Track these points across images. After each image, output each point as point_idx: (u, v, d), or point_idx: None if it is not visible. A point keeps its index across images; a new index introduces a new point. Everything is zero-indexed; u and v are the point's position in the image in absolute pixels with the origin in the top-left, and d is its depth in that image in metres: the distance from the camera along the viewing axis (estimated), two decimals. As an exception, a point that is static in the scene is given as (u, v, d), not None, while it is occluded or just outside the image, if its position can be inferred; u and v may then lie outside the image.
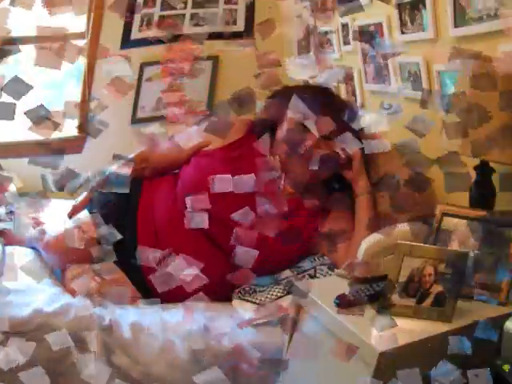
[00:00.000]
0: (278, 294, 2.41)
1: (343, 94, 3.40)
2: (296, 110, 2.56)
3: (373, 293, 1.93)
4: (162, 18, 3.92)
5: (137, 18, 3.88)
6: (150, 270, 2.47)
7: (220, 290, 2.49)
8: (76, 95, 4.01)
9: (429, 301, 1.85)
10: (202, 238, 2.49)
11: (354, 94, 3.35)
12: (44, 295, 2.31)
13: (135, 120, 4.06)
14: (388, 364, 1.67)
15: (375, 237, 2.12)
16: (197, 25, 4.01)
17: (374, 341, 1.73)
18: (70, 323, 2.20)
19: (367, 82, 3.23)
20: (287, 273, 2.51)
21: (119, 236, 2.31)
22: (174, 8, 3.94)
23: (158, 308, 2.42)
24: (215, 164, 2.60)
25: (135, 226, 2.60)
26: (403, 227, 2.16)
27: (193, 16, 3.98)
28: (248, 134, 2.72)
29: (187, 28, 4.00)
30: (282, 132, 2.61)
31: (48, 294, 2.33)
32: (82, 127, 3.92)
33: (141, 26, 3.90)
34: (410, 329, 1.80)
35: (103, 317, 2.27)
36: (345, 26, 3.33)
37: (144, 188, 2.74)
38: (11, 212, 3.12)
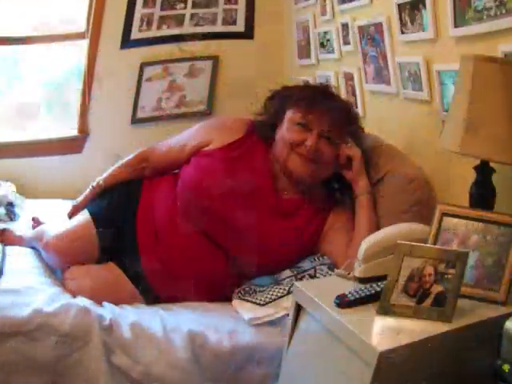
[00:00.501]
0: (279, 294, 2.38)
1: (343, 94, 3.40)
2: (295, 109, 2.58)
3: (373, 292, 1.93)
4: (162, 17, 3.94)
5: (137, 17, 3.88)
6: (152, 272, 2.51)
7: (220, 289, 2.51)
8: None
9: (429, 301, 1.84)
10: (201, 237, 2.50)
11: (353, 94, 3.36)
12: (44, 295, 2.30)
13: (135, 120, 4.06)
14: (388, 364, 1.67)
15: (375, 237, 2.11)
16: (197, 25, 4.02)
17: (374, 340, 1.73)
18: (71, 323, 2.20)
19: (367, 82, 3.23)
20: (287, 273, 2.49)
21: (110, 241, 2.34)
22: (173, 8, 3.94)
23: (157, 308, 2.43)
24: (215, 164, 2.60)
25: (135, 226, 2.61)
26: (403, 227, 2.18)
27: (193, 16, 3.99)
28: (248, 134, 2.71)
29: (187, 28, 4.00)
30: (281, 132, 2.59)
31: (48, 294, 2.32)
32: (82, 127, 3.97)
33: (141, 25, 3.90)
34: (410, 329, 1.79)
35: (104, 316, 2.26)
36: (344, 26, 3.34)
37: (144, 188, 2.74)
38: (11, 212, 3.12)
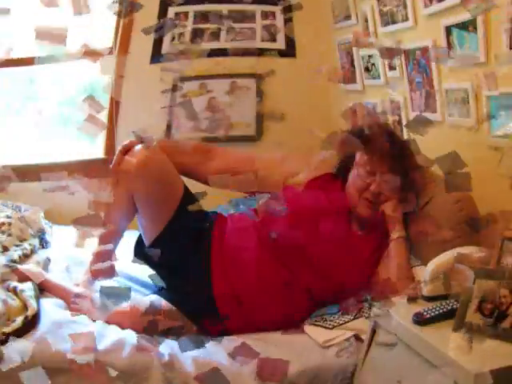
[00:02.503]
0: (346, 320, 2.57)
1: (390, 123, 3.48)
2: (361, 152, 2.81)
3: (446, 311, 2.09)
4: (195, 31, 3.99)
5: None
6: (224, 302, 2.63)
7: (293, 319, 2.69)
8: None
9: (508, 321, 1.92)
10: (280, 267, 2.72)
11: (399, 123, 3.43)
12: (90, 329, 2.34)
13: None
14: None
15: (440, 258, 2.31)
16: (234, 39, 4.07)
17: (466, 362, 1.82)
18: (126, 361, 2.26)
19: (413, 110, 3.29)
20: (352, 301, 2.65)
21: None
22: (207, 21, 3.99)
23: (219, 339, 2.51)
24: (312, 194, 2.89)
25: (209, 264, 2.74)
26: (465, 249, 2.34)
27: (229, 30, 4.02)
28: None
29: (223, 43, 4.03)
30: (353, 175, 2.86)
31: (94, 329, 2.36)
32: (108, 148, 3.99)
33: (172, 39, 3.96)
34: (497, 351, 1.89)
35: (161, 352, 2.32)
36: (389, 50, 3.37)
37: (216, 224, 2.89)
38: (43, 239, 3.10)
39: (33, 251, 2.88)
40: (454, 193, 2.65)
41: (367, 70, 3.71)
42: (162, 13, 3.94)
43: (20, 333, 2.24)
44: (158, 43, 3.94)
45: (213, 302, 2.62)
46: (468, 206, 2.70)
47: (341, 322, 2.56)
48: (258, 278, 2.68)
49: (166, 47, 3.96)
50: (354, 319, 2.56)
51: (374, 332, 2.30)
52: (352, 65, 3.88)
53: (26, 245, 2.88)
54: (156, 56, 3.96)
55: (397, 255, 2.68)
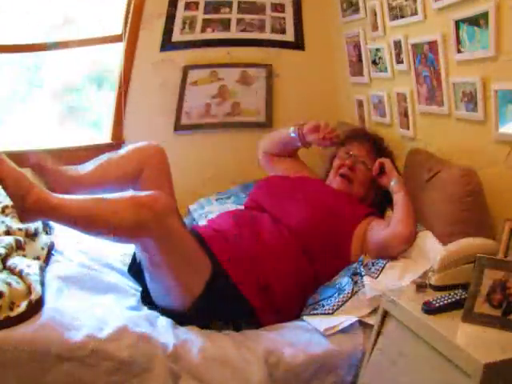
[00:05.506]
0: (345, 299, 2.51)
1: (395, 115, 3.53)
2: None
3: (455, 300, 2.08)
4: (205, 21, 3.96)
5: (178, 20, 3.91)
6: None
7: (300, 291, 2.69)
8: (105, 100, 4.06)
9: None
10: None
11: (406, 116, 3.41)
12: (93, 318, 2.29)
13: (179, 127, 4.02)
14: (491, 377, 1.74)
15: (449, 248, 2.28)
16: (244, 30, 4.05)
17: (477, 352, 1.79)
18: (129, 350, 2.20)
19: (420, 103, 3.27)
20: (346, 280, 2.61)
21: None
22: (218, 12, 3.97)
23: (227, 331, 2.48)
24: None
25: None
26: (474, 240, 2.32)
27: (239, 21, 4.01)
28: None
29: (233, 34, 4.02)
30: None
31: (96, 317, 2.30)
32: (116, 134, 3.93)
33: (183, 28, 3.92)
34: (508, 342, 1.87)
35: (166, 344, 2.26)
36: (397, 43, 3.36)
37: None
38: (46, 225, 3.03)
39: (37, 232, 2.80)
40: (461, 167, 2.75)
41: (374, 63, 3.69)
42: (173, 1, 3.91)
43: (24, 317, 2.18)
44: (168, 32, 3.91)
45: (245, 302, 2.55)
46: (475, 181, 2.70)
47: (340, 304, 2.50)
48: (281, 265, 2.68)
49: (175, 36, 3.94)
50: (351, 296, 2.51)
51: (383, 320, 2.27)
52: (359, 58, 3.86)
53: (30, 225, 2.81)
54: (166, 44, 3.92)
55: (402, 206, 2.79)
